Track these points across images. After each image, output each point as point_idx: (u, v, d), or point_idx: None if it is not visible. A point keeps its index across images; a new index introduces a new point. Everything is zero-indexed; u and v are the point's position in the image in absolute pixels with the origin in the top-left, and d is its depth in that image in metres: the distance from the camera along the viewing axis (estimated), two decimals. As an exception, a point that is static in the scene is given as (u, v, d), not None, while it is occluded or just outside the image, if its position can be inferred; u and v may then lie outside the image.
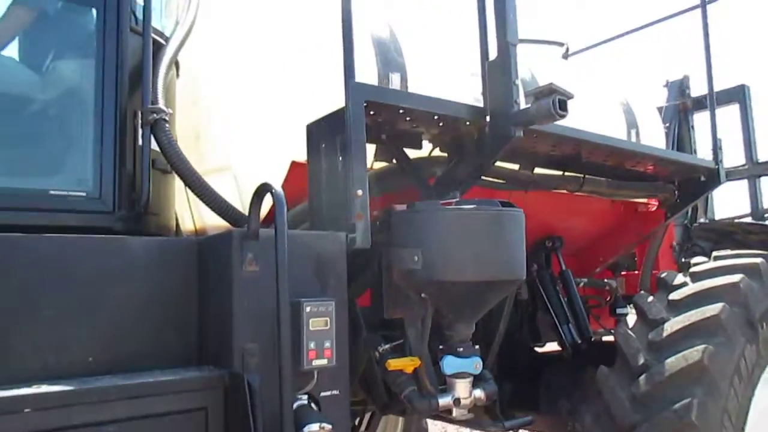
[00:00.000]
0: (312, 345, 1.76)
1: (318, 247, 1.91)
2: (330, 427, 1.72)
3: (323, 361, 1.79)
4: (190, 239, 2.11)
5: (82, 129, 2.14)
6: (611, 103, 3.86)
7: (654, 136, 3.99)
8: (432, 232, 2.03)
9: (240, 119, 2.65)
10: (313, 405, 1.80)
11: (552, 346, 3.76)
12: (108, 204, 2.10)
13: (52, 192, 2.01)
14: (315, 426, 1.70)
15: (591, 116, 3.36)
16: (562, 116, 2.22)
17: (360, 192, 2.00)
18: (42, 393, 1.49)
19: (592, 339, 3.59)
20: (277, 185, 2.22)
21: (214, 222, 2.81)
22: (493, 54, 2.45)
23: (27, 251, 1.68)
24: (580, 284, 3.76)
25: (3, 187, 1.95)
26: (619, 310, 3.93)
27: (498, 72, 2.40)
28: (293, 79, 2.50)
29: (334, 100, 2.22)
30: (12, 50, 2.37)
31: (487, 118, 2.42)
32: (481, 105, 2.49)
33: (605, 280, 4.01)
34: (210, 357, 1.84)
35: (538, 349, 3.84)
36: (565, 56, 4.54)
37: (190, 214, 2.93)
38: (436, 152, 2.71)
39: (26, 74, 2.35)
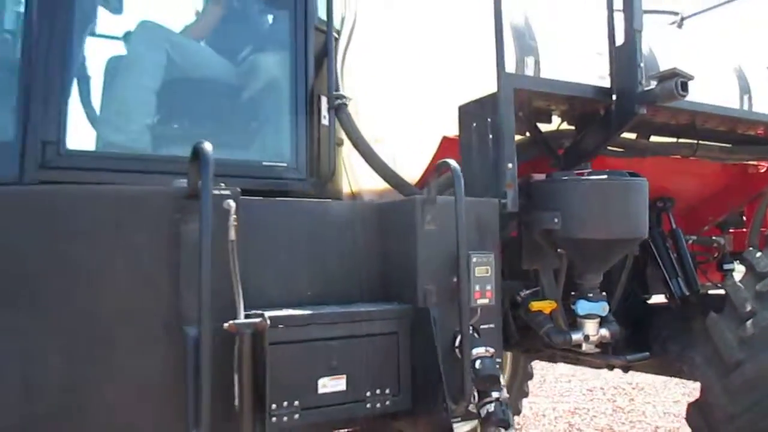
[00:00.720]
0: (477, 287, 2.25)
1: (478, 210, 2.37)
2: (493, 350, 2.21)
3: (485, 301, 2.27)
4: (373, 203, 2.63)
5: (282, 112, 2.68)
6: (724, 68, 4.05)
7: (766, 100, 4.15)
8: (570, 198, 2.46)
9: (396, 99, 3.12)
10: (476, 335, 2.30)
11: (659, 299, 4.09)
12: (302, 173, 2.64)
13: (264, 163, 2.58)
14: (482, 349, 2.20)
15: (704, 83, 3.60)
16: (683, 96, 2.56)
17: (510, 165, 2.44)
18: (293, 315, 2.05)
19: (700, 292, 3.90)
20: (429, 156, 2.70)
21: (367, 187, 3.34)
22: (619, 39, 2.79)
23: (267, 212, 2.24)
24: (689, 241, 4.04)
25: (232, 158, 2.52)
26: (726, 266, 4.19)
27: (624, 56, 2.75)
28: (442, 64, 2.94)
29: (478, 83, 2.66)
30: (215, 43, 2.93)
31: (614, 97, 2.78)
32: (605, 81, 2.85)
33: (713, 238, 4.26)
34: (394, 296, 2.36)
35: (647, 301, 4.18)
36: (680, 25, 4.71)
37: (347, 180, 3.47)
38: (564, 126, 3.10)
39: (225, 65, 2.91)
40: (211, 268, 1.78)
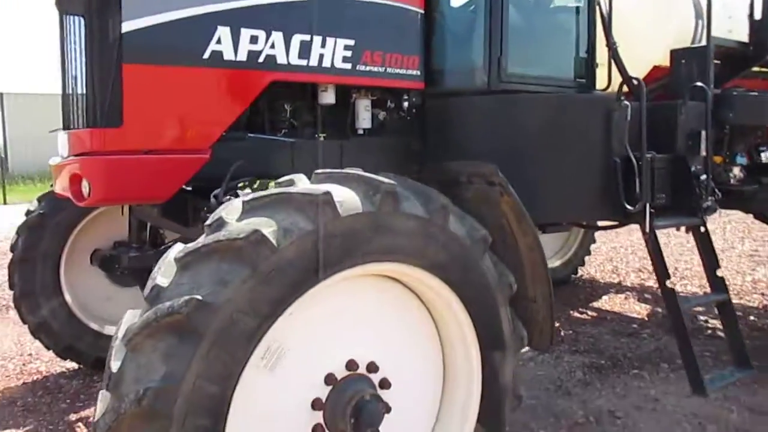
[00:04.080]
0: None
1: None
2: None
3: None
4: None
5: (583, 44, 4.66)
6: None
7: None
8: (741, 104, 4.69)
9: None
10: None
11: None
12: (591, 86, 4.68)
13: (578, 79, 4.59)
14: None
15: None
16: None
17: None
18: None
19: None
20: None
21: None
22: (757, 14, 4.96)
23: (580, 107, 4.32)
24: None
25: (558, 76, 4.49)
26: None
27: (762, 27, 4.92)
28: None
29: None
30: None
31: (751, 48, 4.98)
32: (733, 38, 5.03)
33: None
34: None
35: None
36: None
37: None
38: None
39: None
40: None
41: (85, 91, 3.41)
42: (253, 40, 3.37)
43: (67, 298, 4.88)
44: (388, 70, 3.89)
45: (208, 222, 2.30)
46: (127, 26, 3.06)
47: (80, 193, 3.19)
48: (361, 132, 4.04)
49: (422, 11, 4.04)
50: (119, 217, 4.91)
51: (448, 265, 2.67)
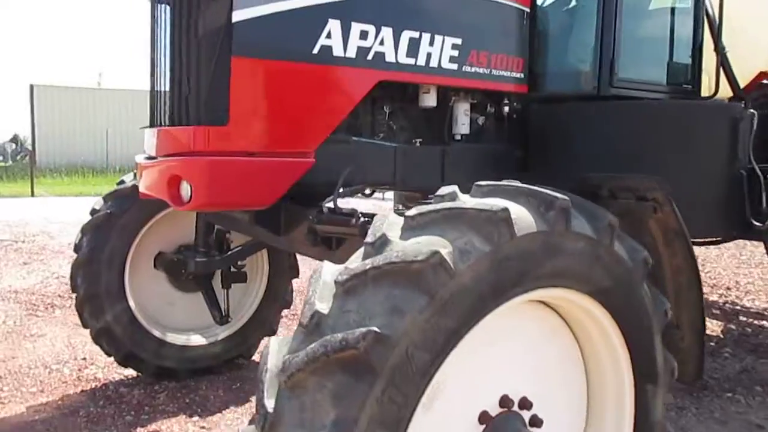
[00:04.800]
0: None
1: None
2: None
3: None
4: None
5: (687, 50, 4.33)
6: None
7: None
8: None
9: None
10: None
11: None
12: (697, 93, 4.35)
13: (684, 85, 4.28)
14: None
15: None
16: None
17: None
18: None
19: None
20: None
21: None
22: None
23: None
24: None
25: (656, 81, 4.17)
26: None
27: None
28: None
29: None
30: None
31: None
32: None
33: None
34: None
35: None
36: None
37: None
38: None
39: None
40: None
41: (181, 86, 3.13)
42: (363, 35, 3.11)
43: (131, 303, 4.62)
44: (493, 71, 3.63)
45: (368, 239, 2.01)
46: (238, 15, 2.78)
47: (178, 197, 2.92)
48: (459, 138, 3.77)
49: (528, 10, 3.76)
50: (185, 220, 4.66)
51: (612, 289, 2.37)
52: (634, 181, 2.84)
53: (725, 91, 4.31)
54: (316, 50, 2.96)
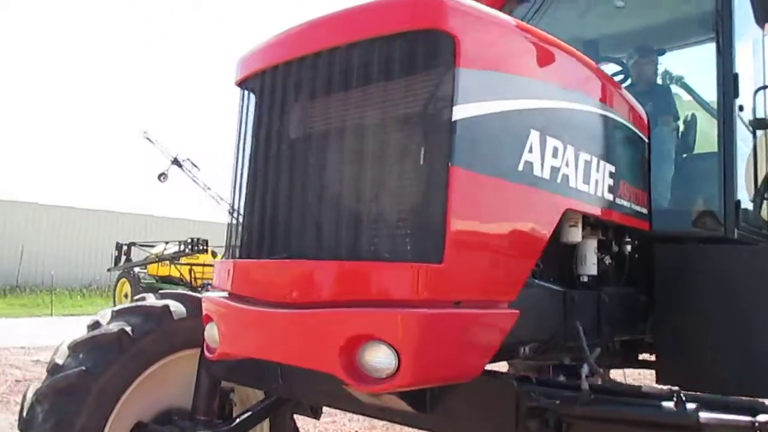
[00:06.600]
0: None
1: None
2: None
3: None
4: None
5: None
6: None
7: None
8: None
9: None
10: None
11: None
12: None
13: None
14: None
15: None
16: None
17: None
18: None
19: None
20: None
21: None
22: None
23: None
24: None
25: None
26: None
27: None
28: None
29: None
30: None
31: None
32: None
33: None
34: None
35: None
36: None
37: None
38: None
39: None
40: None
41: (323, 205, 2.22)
42: (555, 152, 2.48)
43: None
44: (630, 205, 3.16)
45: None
46: (460, 112, 2.03)
47: (357, 368, 1.92)
48: (585, 279, 3.15)
49: (647, 140, 3.42)
50: (172, 373, 3.47)
51: None
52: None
53: None
54: (520, 167, 2.26)
